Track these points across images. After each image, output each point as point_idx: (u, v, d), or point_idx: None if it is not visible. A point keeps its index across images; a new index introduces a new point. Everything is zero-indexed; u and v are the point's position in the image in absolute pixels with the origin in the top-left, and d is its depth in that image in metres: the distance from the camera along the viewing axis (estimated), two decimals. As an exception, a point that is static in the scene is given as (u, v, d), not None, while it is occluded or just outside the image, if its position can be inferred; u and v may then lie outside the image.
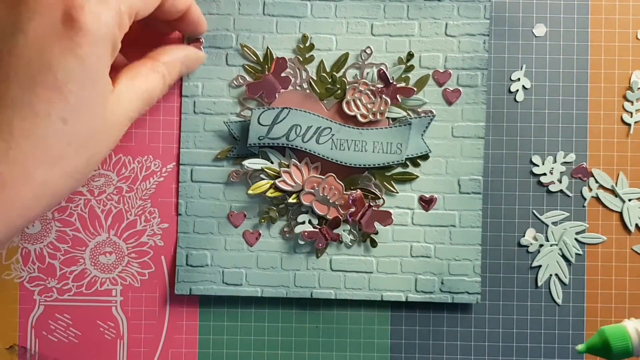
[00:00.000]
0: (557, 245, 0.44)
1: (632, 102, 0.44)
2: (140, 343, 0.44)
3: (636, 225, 0.44)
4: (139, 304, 0.44)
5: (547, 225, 0.44)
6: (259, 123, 0.42)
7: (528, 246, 0.44)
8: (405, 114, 0.43)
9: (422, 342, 0.44)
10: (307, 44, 0.43)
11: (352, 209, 0.42)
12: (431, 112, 0.43)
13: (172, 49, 0.41)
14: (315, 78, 0.43)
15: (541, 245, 0.44)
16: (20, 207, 0.31)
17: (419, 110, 0.43)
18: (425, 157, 0.43)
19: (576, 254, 0.44)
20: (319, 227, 0.43)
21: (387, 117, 0.43)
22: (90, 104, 0.33)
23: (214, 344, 0.44)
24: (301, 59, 0.43)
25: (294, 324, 0.44)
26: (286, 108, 0.42)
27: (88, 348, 0.44)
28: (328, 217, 0.43)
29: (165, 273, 0.44)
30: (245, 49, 0.43)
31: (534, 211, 0.44)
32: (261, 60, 0.43)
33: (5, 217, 0.31)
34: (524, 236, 0.44)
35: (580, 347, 0.34)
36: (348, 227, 0.43)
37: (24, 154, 0.31)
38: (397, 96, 0.42)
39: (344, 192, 0.43)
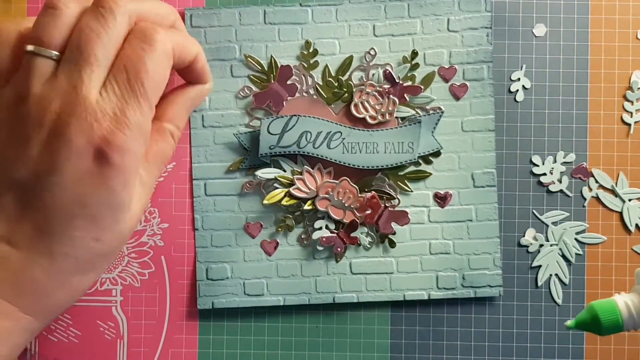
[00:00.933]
0: (557, 245, 0.44)
1: (632, 102, 0.44)
2: (140, 343, 0.44)
3: (636, 225, 0.44)
4: (139, 304, 0.44)
5: (547, 225, 0.44)
6: (269, 132, 0.42)
7: (528, 246, 0.44)
8: (414, 112, 0.43)
9: (422, 342, 0.44)
10: (311, 50, 0.43)
11: (368, 211, 0.42)
12: (440, 108, 0.43)
13: (173, 97, 0.40)
14: (321, 83, 0.43)
15: (541, 245, 0.44)
16: (57, 305, 0.36)
17: (428, 107, 0.43)
18: (437, 153, 0.43)
19: (576, 254, 0.44)
20: (336, 231, 0.43)
21: (396, 117, 0.43)
22: (119, 220, 0.35)
23: (214, 343, 0.44)
24: (306, 65, 0.43)
25: (294, 324, 0.44)
26: (295, 115, 0.42)
27: (88, 348, 0.44)
28: (345, 221, 0.43)
29: (165, 273, 0.44)
30: (249, 59, 0.43)
31: (534, 211, 0.44)
32: (266, 69, 0.43)
33: (43, 316, 0.35)
34: (524, 236, 0.44)
35: (569, 322, 0.33)
36: (365, 229, 0.43)
37: (63, 269, 0.34)
38: (405, 95, 0.42)
39: (359, 195, 0.42)
